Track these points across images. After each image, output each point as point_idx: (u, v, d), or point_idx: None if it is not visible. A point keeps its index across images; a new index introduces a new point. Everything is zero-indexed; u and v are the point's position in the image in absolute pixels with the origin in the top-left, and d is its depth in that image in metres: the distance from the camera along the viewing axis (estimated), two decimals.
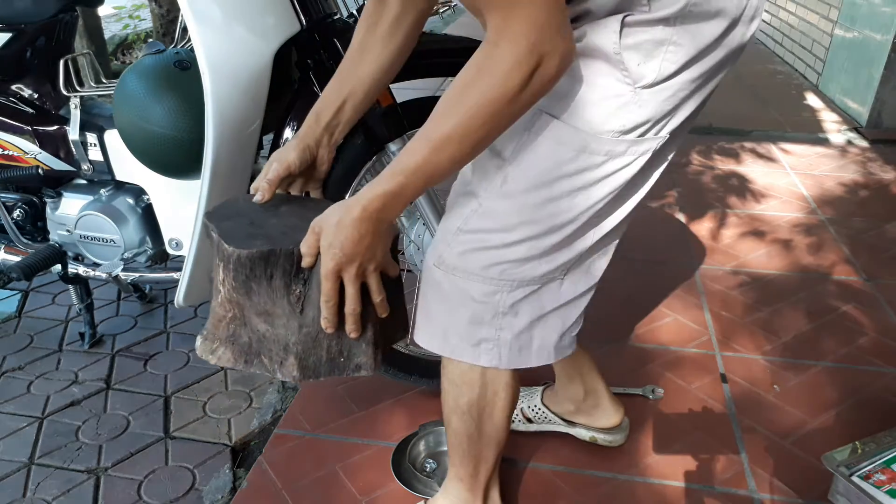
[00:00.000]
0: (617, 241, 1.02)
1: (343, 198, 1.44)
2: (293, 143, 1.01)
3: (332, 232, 0.82)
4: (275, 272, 0.87)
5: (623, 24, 0.81)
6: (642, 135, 0.86)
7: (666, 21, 0.80)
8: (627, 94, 0.83)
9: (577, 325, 1.05)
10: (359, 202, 0.82)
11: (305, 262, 0.86)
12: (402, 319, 1.01)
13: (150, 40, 1.54)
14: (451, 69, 1.62)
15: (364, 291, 0.88)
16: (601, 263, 1.03)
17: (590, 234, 0.95)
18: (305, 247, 0.86)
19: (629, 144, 0.86)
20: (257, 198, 0.97)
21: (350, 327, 0.90)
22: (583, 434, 1.45)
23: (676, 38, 0.81)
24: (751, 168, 2.95)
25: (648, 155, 0.88)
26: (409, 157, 0.80)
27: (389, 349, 0.98)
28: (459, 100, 0.76)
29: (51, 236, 1.66)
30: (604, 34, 0.82)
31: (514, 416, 1.29)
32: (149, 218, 1.56)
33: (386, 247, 0.88)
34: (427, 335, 1.02)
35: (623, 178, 0.89)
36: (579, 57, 0.84)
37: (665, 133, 0.88)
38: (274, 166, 0.99)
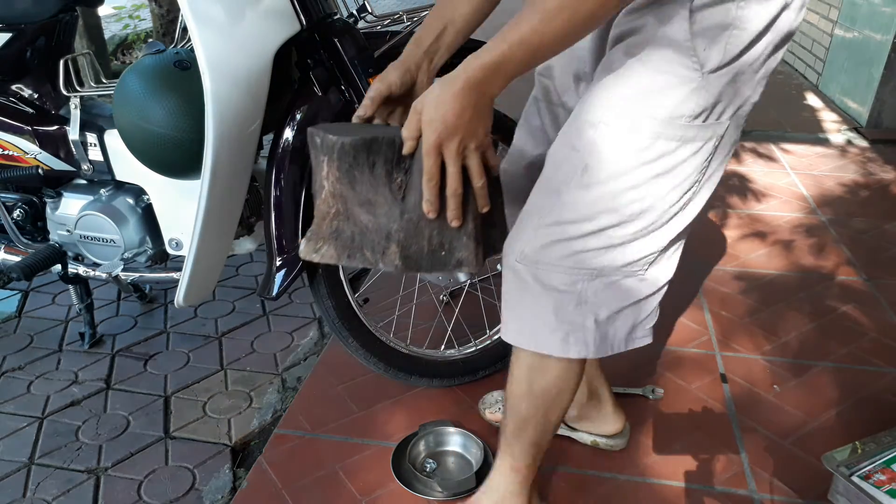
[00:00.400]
0: (685, 236, 1.01)
1: None
2: (394, 65, 1.03)
3: (434, 106, 0.83)
4: (377, 160, 0.89)
5: (691, 10, 0.83)
6: (707, 119, 0.88)
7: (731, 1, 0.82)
8: (697, 79, 0.85)
9: (655, 316, 1.05)
10: (460, 75, 0.82)
11: (407, 147, 0.87)
12: (502, 225, 1.01)
13: (150, 40, 1.54)
14: (452, 69, 1.63)
15: (465, 179, 0.88)
16: (676, 257, 1.02)
17: (668, 225, 0.95)
18: (407, 130, 0.86)
19: (698, 129, 0.88)
20: (359, 113, 1.01)
21: (451, 213, 0.90)
22: (584, 438, 1.45)
23: (738, 21, 0.83)
24: (751, 168, 2.95)
25: (715, 140, 0.90)
26: (514, 28, 0.80)
27: (489, 255, 0.98)
28: None
29: (51, 236, 1.66)
30: (675, 22, 0.84)
31: None
32: (149, 218, 1.56)
33: (487, 126, 0.87)
34: (514, 332, 1.03)
35: (695, 165, 0.90)
36: (650, 46, 0.86)
37: (726, 119, 0.90)
38: (376, 85, 1.01)
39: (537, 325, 1.00)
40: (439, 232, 0.92)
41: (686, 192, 0.93)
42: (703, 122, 0.88)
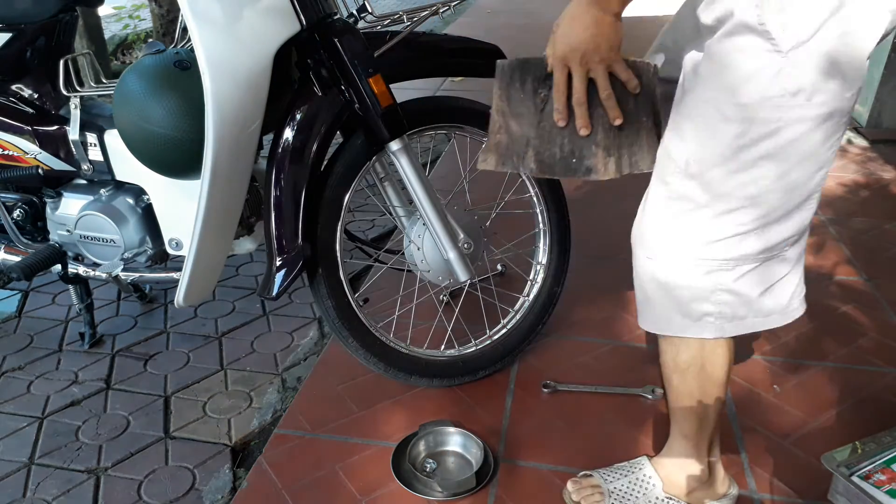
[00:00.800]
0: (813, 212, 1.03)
1: (344, 198, 1.44)
2: None
3: (563, 24, 0.96)
4: (528, 77, 1.05)
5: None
6: (808, 98, 0.89)
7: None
8: (779, 60, 0.87)
9: (802, 289, 1.10)
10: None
11: (549, 63, 0.99)
12: (650, 145, 1.06)
13: (150, 40, 1.54)
14: (451, 69, 1.63)
15: (595, 92, 0.99)
16: (806, 232, 1.05)
17: (797, 208, 0.98)
18: (548, 48, 0.98)
19: (797, 108, 0.89)
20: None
21: (578, 121, 1.01)
22: None
23: None
24: None
25: (815, 118, 0.90)
26: None
27: (628, 171, 1.07)
28: None
29: (51, 236, 1.66)
30: (744, 7, 0.87)
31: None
32: (149, 218, 1.56)
33: (610, 42, 0.95)
34: (651, 322, 1.11)
35: (805, 144, 0.92)
36: (728, 36, 0.90)
37: (822, 97, 0.89)
38: None
39: (673, 314, 1.07)
40: (570, 140, 1.04)
41: (805, 169, 0.94)
42: (805, 100, 0.89)
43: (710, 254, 0.99)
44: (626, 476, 1.30)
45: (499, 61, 1.08)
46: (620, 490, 1.28)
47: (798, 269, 1.08)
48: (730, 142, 0.92)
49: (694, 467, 1.24)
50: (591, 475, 1.32)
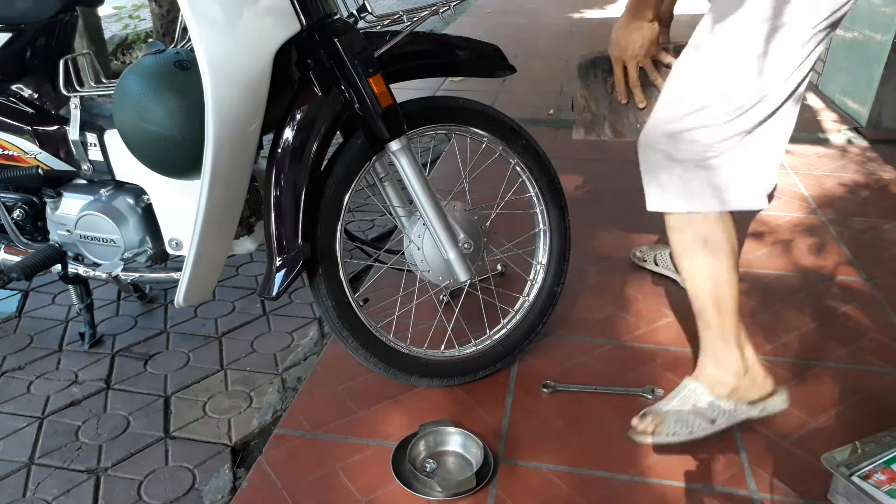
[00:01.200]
0: (796, 110, 1.30)
1: (344, 198, 1.45)
2: None
3: (614, 32, 1.38)
4: (598, 70, 1.47)
5: None
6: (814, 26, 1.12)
7: None
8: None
9: (771, 183, 1.37)
10: (624, 10, 1.35)
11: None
12: None
13: (150, 40, 1.54)
14: (451, 69, 1.63)
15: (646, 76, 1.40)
16: (786, 128, 1.31)
17: (759, 107, 1.19)
18: (609, 49, 1.41)
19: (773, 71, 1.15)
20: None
21: (637, 99, 1.44)
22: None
23: None
24: None
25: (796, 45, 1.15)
26: None
27: None
28: None
29: (51, 236, 1.66)
30: None
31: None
32: (149, 218, 1.56)
33: (649, 40, 1.36)
34: (656, 201, 1.33)
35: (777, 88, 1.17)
36: None
37: (811, 29, 1.13)
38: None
39: (669, 191, 1.30)
40: (633, 112, 1.46)
41: (771, 82, 1.17)
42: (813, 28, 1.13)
43: (693, 137, 1.23)
44: (675, 397, 1.43)
45: (578, 62, 1.50)
46: (674, 409, 1.41)
47: (771, 170, 1.34)
48: (726, 58, 1.19)
49: (727, 359, 1.38)
50: (646, 413, 1.42)
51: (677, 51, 1.33)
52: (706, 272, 1.34)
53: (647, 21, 1.33)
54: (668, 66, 1.36)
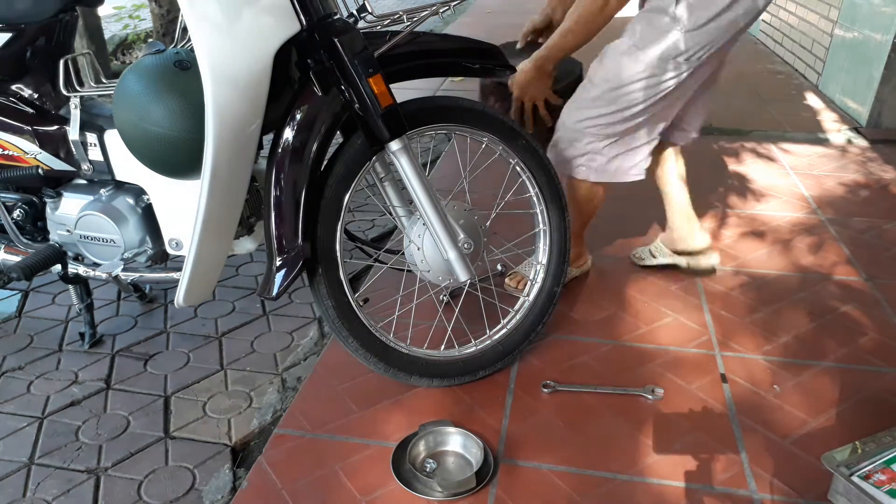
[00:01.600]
0: (666, 118, 1.76)
1: (344, 198, 1.45)
2: (540, 10, 1.91)
3: (518, 75, 1.72)
4: (489, 98, 1.88)
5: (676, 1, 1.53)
6: (687, 59, 1.57)
7: None
8: (679, 34, 1.54)
9: (646, 162, 1.80)
10: (532, 58, 1.69)
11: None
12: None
13: (150, 40, 1.54)
14: (451, 69, 1.63)
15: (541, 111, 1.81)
16: (657, 128, 1.76)
17: (645, 113, 1.67)
18: (512, 88, 1.76)
19: (677, 64, 1.58)
20: (518, 46, 1.96)
21: (527, 126, 1.80)
22: (681, 262, 2.07)
23: (704, 2, 1.52)
24: (751, 168, 2.95)
25: (685, 74, 1.61)
26: (559, 33, 1.64)
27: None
28: (576, 8, 1.60)
29: (51, 236, 1.66)
30: (664, 12, 1.55)
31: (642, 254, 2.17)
32: (149, 218, 1.56)
33: (545, 87, 1.74)
34: (560, 166, 1.77)
35: (668, 85, 1.61)
36: (650, 12, 1.58)
37: (695, 60, 1.58)
38: (527, 25, 1.94)
39: (567, 161, 1.78)
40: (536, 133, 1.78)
41: (661, 100, 1.65)
42: (684, 60, 1.58)
43: (592, 129, 1.70)
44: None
45: (480, 84, 1.88)
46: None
47: (645, 149, 1.76)
48: (629, 75, 1.62)
49: (576, 249, 2.02)
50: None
51: (563, 94, 1.75)
52: (579, 211, 1.89)
53: (548, 73, 1.71)
54: (559, 105, 1.76)
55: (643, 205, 2.33)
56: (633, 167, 1.77)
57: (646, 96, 1.61)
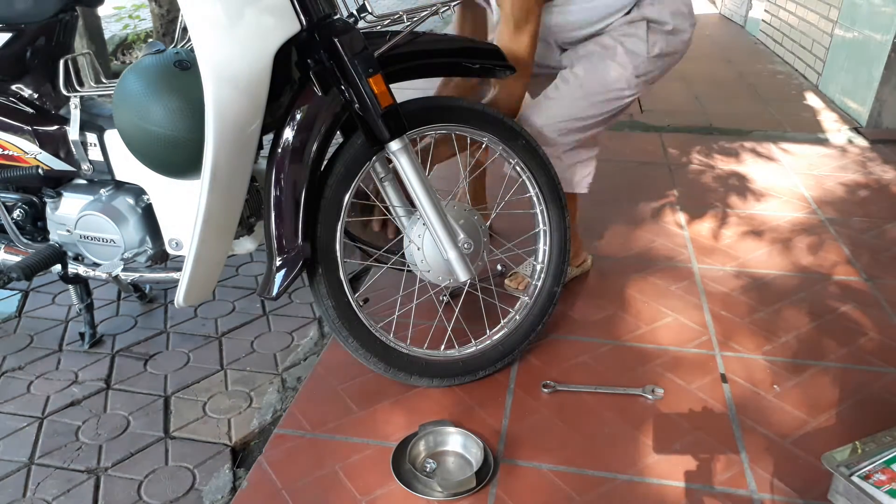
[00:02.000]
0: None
1: (344, 198, 1.44)
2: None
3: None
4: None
5: (648, 29, 1.67)
6: (647, 81, 1.73)
7: (666, 31, 1.69)
8: (646, 59, 1.68)
9: (590, 177, 1.86)
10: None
11: None
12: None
13: (150, 40, 1.54)
14: (451, 69, 1.64)
15: None
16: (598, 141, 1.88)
17: (603, 123, 1.78)
18: None
19: (638, 83, 1.71)
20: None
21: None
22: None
23: (667, 38, 1.70)
24: (751, 168, 2.95)
25: (638, 93, 1.74)
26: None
27: None
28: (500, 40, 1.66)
29: (51, 236, 1.66)
30: (638, 37, 1.68)
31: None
32: (149, 218, 1.56)
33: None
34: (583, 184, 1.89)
35: (627, 102, 1.74)
36: (625, 34, 1.69)
37: (650, 82, 1.75)
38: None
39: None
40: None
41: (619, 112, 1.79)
42: (645, 81, 1.74)
43: (559, 136, 1.75)
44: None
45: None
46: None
47: (593, 163, 1.86)
48: (598, 90, 1.71)
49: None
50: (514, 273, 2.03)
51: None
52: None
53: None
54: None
55: (643, 204, 2.33)
56: (583, 179, 1.85)
57: (613, 108, 1.71)
